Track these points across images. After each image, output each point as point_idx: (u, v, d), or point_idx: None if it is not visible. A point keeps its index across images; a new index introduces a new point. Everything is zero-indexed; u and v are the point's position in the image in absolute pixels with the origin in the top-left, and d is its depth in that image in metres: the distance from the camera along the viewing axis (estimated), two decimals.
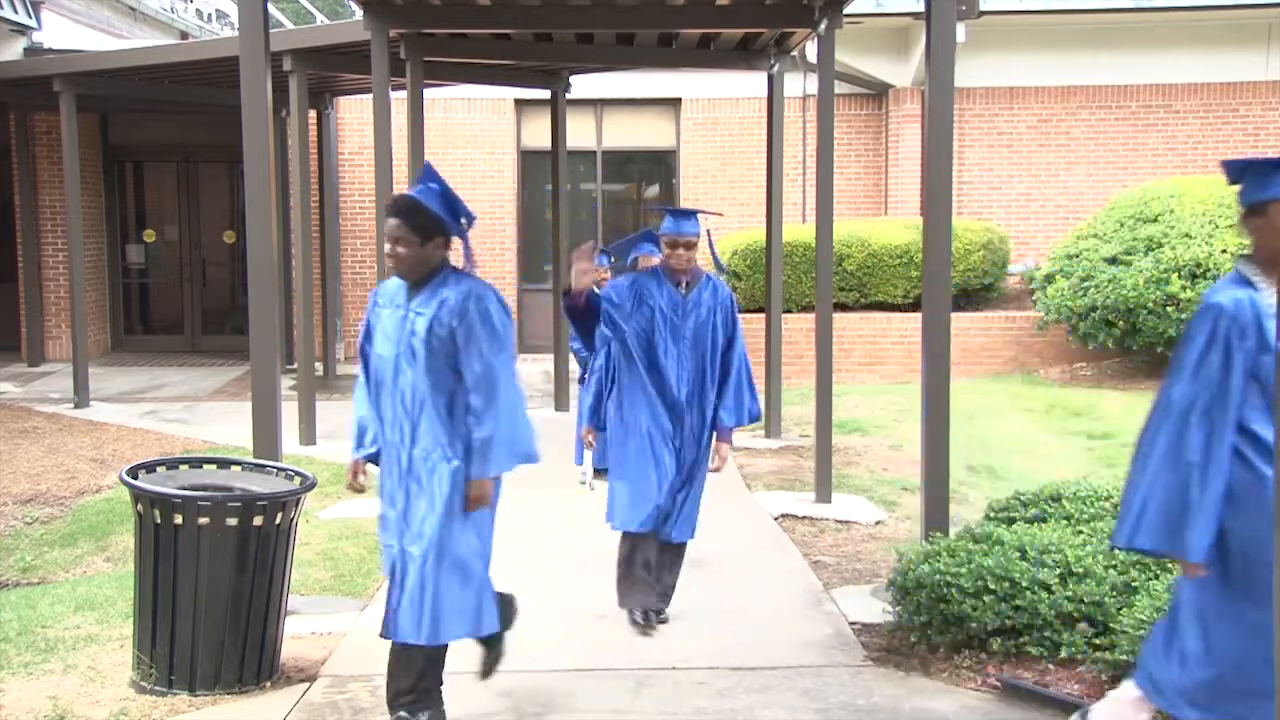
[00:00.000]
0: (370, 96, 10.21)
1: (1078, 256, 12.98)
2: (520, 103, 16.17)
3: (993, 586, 4.89)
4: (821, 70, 8.61)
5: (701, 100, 16.34)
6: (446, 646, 4.32)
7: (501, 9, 8.74)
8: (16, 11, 13.78)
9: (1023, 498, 5.87)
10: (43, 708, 4.60)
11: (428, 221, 4.21)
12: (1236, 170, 3.72)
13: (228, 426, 10.99)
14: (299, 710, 4.65)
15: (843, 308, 13.38)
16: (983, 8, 14.15)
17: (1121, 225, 12.92)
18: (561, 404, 11.96)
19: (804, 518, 7.79)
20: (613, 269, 8.33)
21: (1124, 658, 4.46)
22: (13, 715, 4.56)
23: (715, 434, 5.61)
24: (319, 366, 13.93)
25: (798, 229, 13.73)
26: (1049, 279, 13.24)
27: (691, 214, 5.57)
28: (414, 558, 4.17)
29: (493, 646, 4.57)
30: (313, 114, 14.85)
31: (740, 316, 5.74)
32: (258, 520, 4.73)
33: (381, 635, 4.27)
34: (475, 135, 16.37)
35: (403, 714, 4.30)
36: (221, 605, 4.71)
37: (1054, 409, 11.48)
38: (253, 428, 5.92)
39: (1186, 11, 15.02)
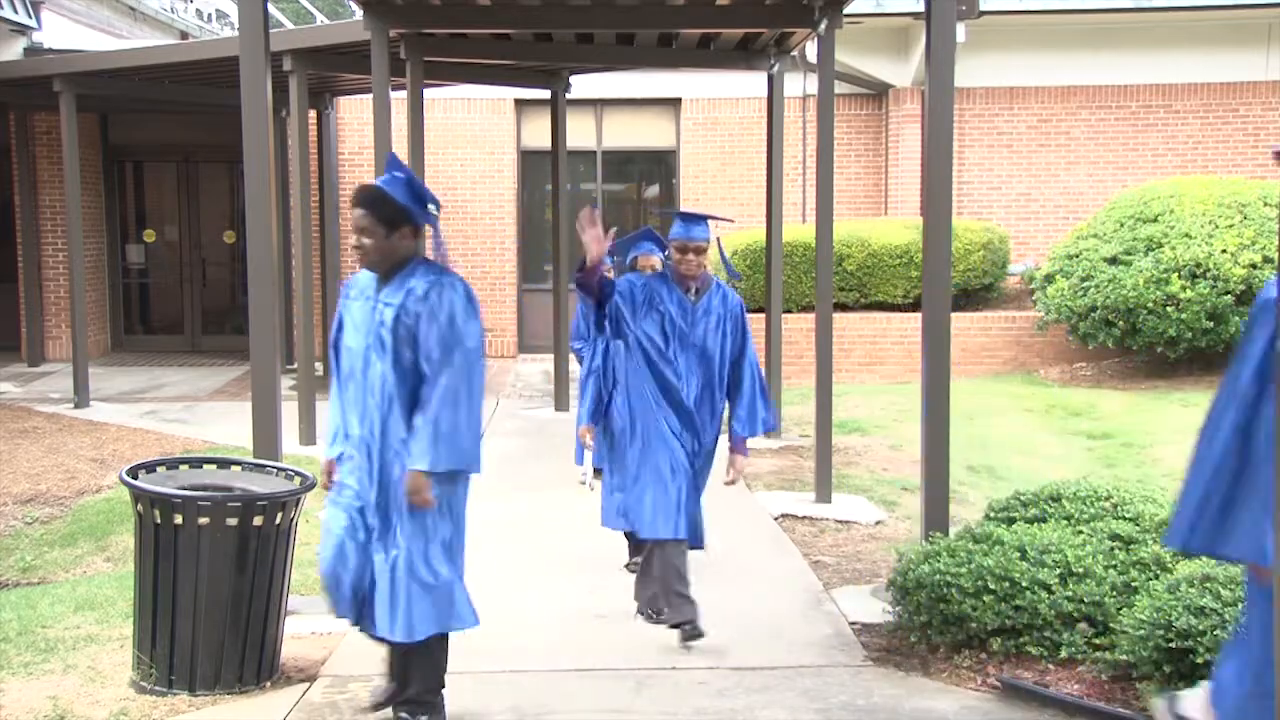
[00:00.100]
0: (370, 96, 10.20)
1: (1078, 256, 12.98)
2: (520, 103, 16.17)
3: (993, 586, 4.89)
4: (821, 70, 8.62)
5: (701, 100, 16.34)
6: (443, 649, 4.31)
7: (501, 9, 8.74)
8: (16, 11, 13.78)
9: (1023, 498, 5.87)
10: (43, 708, 4.60)
11: (393, 211, 4.18)
12: None
13: (228, 426, 10.98)
14: (299, 710, 4.65)
15: (843, 308, 13.39)
16: (983, 8, 14.15)
17: (1121, 225, 12.93)
18: (561, 404, 11.96)
19: (804, 518, 7.79)
20: (615, 268, 8.32)
21: (1124, 658, 4.47)
22: (13, 715, 4.56)
23: (730, 446, 5.48)
24: (319, 366, 13.89)
25: (798, 229, 13.73)
26: (1049, 279, 13.24)
27: (702, 219, 5.40)
28: (386, 556, 4.13)
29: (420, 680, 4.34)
30: (313, 114, 14.84)
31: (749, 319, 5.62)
32: (258, 520, 4.73)
33: (354, 625, 4.27)
34: (475, 135, 16.37)
35: (403, 714, 4.30)
36: (221, 605, 4.71)
37: (1054, 409, 11.48)
38: (253, 428, 5.93)
39: (1186, 11, 15.02)
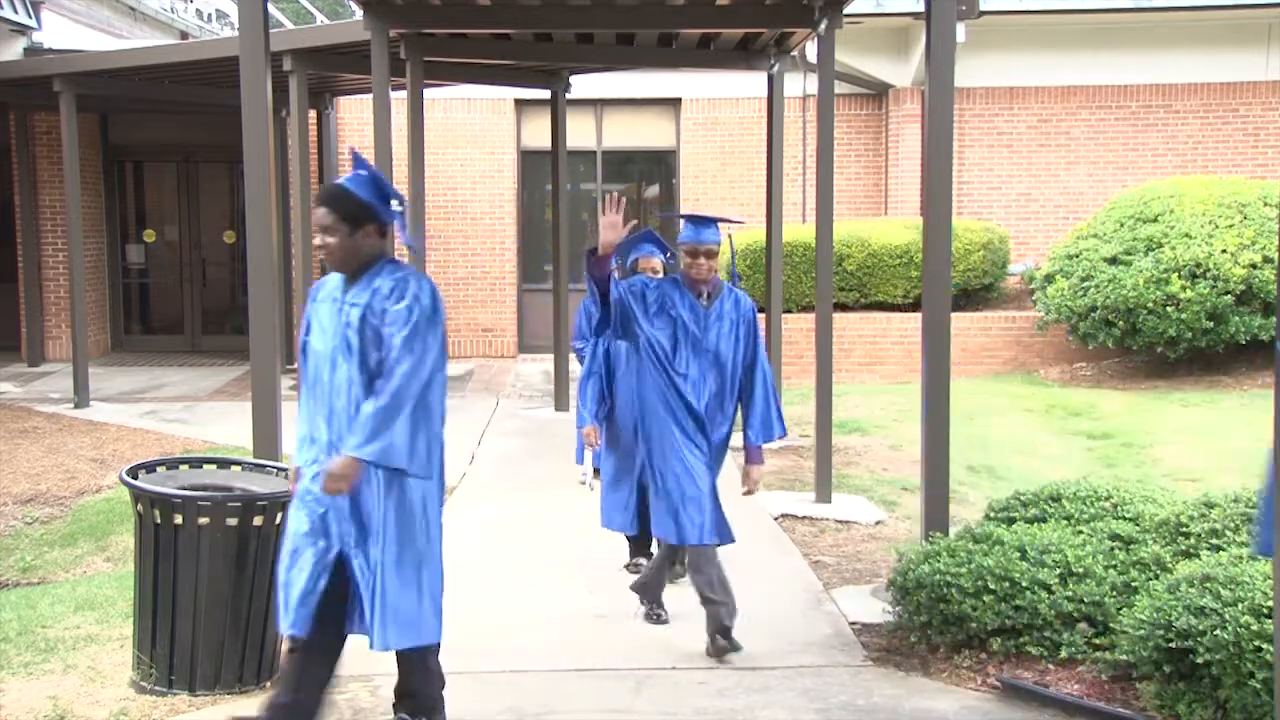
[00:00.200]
0: (370, 96, 10.20)
1: (1078, 256, 12.98)
2: (520, 103, 16.17)
3: (993, 586, 4.89)
4: (821, 70, 8.62)
5: (701, 100, 16.34)
6: (433, 652, 4.29)
7: (501, 9, 8.74)
8: (16, 11, 13.78)
9: (1023, 498, 5.87)
10: (43, 708, 4.60)
11: (355, 208, 4.11)
12: None
13: (228, 426, 10.98)
14: None
15: (843, 308, 13.39)
16: (983, 8, 14.15)
17: (1121, 225, 12.93)
18: (562, 404, 11.96)
19: (804, 518, 7.79)
20: (617, 269, 8.30)
21: (1124, 658, 4.47)
22: (13, 715, 4.56)
23: (745, 456, 5.41)
24: None
25: (798, 229, 13.73)
26: (1049, 279, 13.24)
27: (712, 221, 5.28)
28: (364, 565, 4.05)
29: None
30: (313, 114, 14.85)
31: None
32: (258, 520, 4.73)
33: (301, 637, 4.09)
34: (475, 135, 16.37)
35: (403, 715, 4.30)
36: (221, 605, 4.71)
37: (1054, 409, 11.48)
38: (253, 428, 5.93)
39: (1186, 11, 15.02)
